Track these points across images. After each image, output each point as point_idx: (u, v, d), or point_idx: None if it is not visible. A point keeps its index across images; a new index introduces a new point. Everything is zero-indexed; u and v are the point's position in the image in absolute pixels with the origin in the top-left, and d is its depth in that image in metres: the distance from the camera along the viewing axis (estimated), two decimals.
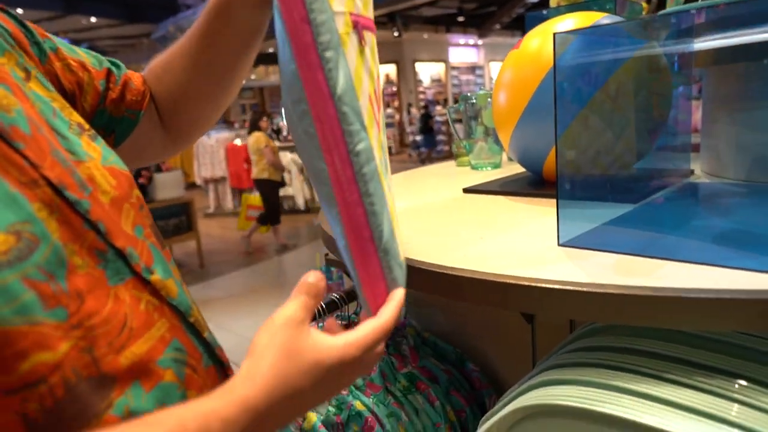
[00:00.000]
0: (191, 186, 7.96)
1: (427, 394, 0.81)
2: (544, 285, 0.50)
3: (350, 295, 0.82)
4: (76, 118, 0.49)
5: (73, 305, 0.36)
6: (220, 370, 0.49)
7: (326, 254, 1.11)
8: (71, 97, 0.54)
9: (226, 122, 10.59)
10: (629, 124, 0.81)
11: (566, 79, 0.71)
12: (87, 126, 0.49)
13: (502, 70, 0.98)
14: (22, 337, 0.32)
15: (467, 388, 0.87)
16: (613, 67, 0.79)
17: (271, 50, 12.20)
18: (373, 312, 0.45)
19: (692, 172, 0.94)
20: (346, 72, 0.41)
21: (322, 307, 0.90)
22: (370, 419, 0.75)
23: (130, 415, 0.38)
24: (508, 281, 0.52)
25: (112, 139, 0.60)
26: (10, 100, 0.41)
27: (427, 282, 0.59)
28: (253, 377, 0.37)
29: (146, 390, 0.40)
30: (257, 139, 5.14)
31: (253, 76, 13.06)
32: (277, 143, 7.42)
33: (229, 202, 7.28)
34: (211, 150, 7.16)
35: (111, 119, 0.59)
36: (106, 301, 0.39)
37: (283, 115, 0.51)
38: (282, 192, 6.41)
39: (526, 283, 0.51)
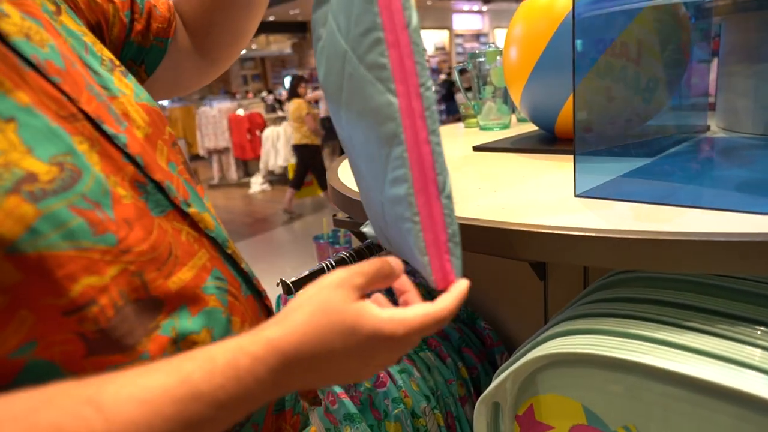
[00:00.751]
0: (195, 157, 7.93)
1: (438, 351, 0.81)
2: (562, 232, 0.49)
3: (359, 254, 0.82)
4: (107, 54, 0.48)
5: (122, 231, 0.37)
6: (259, 299, 0.50)
7: (334, 215, 1.10)
8: (98, 30, 0.53)
9: (228, 92, 10.49)
10: (647, 74, 0.78)
11: (581, 30, 0.68)
12: (118, 62, 0.49)
13: (513, 24, 0.95)
14: (70, 261, 0.34)
15: (479, 345, 0.87)
16: (631, 16, 0.76)
17: (271, 18, 12.02)
18: (430, 254, 0.42)
19: (708, 128, 0.92)
20: (414, 9, 0.41)
21: (331, 264, 0.89)
22: (382, 375, 0.75)
23: (177, 335, 0.40)
24: (524, 229, 0.51)
25: (143, 69, 0.60)
26: (43, 36, 0.40)
27: None
28: (284, 322, 0.36)
29: (192, 314, 0.41)
30: (298, 106, 5.10)
31: (254, 46, 12.87)
32: (280, 113, 7.37)
33: (233, 173, 7.25)
34: (214, 120, 7.09)
35: (140, 50, 0.58)
36: (152, 230, 0.40)
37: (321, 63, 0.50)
38: (284, 162, 6.38)
39: (544, 231, 0.50)
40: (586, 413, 0.50)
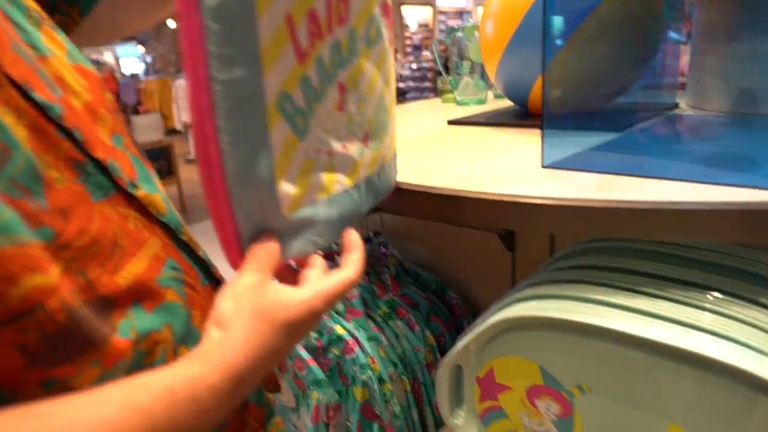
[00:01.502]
0: (171, 132, 7.79)
1: (407, 319, 0.82)
2: (527, 200, 0.50)
3: None
4: (32, 3, 0.41)
5: (58, 224, 0.32)
6: (218, 288, 0.46)
7: None
8: None
9: None
10: (618, 51, 0.79)
11: (554, 5, 0.68)
12: (45, 15, 0.41)
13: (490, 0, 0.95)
14: (8, 260, 0.29)
15: (447, 314, 0.88)
16: None
17: None
18: (226, 251, 0.39)
19: (677, 105, 0.93)
20: None
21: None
22: (350, 342, 0.76)
23: (138, 335, 0.36)
24: (491, 198, 0.52)
25: (76, 11, 0.52)
26: None
27: (408, 204, 0.59)
28: (231, 343, 0.35)
29: (148, 310, 0.38)
30: None
31: None
32: None
33: None
34: None
35: None
36: (93, 219, 0.35)
37: None
38: None
39: (510, 200, 0.51)
40: (542, 374, 0.52)
